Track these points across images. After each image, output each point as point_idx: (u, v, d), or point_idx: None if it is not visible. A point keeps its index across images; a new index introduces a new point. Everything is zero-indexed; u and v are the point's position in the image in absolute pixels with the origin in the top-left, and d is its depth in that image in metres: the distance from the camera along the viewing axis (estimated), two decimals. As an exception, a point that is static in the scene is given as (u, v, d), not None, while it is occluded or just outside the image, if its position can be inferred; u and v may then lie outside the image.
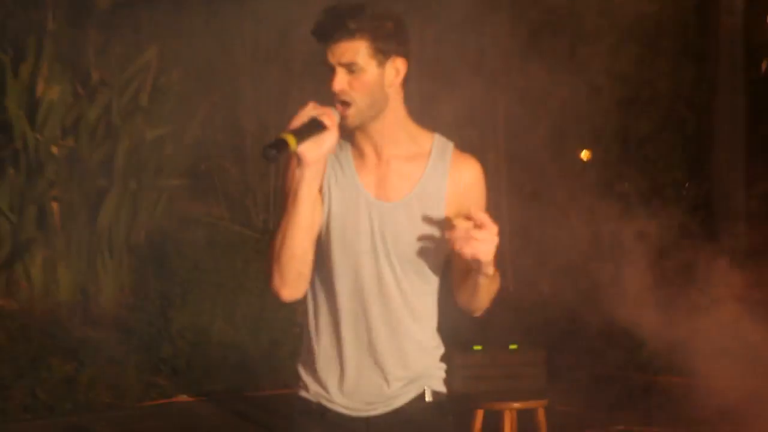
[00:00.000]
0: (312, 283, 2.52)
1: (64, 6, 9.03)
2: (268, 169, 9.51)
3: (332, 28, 2.38)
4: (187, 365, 7.95)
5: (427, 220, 2.45)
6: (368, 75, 2.39)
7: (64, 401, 7.33)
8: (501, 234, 2.35)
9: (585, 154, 10.11)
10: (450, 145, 2.51)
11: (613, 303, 6.17)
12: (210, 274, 8.33)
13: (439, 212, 2.46)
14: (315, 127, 2.33)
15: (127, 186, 8.42)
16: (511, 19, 9.53)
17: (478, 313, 2.56)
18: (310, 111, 2.34)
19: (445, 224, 2.44)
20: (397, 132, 2.48)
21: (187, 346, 8.02)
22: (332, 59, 2.38)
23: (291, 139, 2.29)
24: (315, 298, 2.54)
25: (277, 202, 2.59)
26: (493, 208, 2.53)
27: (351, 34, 2.37)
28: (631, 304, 6.06)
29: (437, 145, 2.50)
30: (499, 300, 2.62)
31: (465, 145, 2.60)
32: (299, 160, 2.34)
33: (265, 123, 9.47)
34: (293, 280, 2.44)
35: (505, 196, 9.11)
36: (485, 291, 2.47)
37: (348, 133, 2.47)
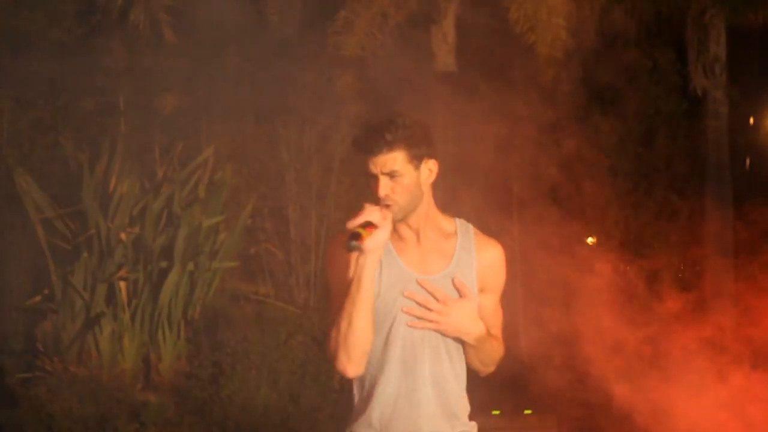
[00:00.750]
0: None
1: (134, 112, 9.22)
2: (309, 254, 9.60)
3: (372, 143, 2.46)
4: (235, 427, 7.97)
5: (464, 288, 2.53)
6: (407, 179, 2.48)
7: (128, 458, 7.46)
8: (515, 305, 2.51)
9: (591, 240, 10.22)
10: (470, 227, 2.61)
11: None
12: (257, 345, 8.35)
13: (472, 282, 2.54)
14: (373, 226, 2.44)
15: (186, 267, 8.43)
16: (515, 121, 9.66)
17: (482, 374, 2.63)
18: (367, 214, 2.42)
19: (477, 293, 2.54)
20: (430, 217, 2.58)
21: (236, 409, 8.03)
22: (374, 169, 2.47)
23: (364, 233, 2.41)
24: (371, 365, 2.53)
25: (329, 291, 2.59)
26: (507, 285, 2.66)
27: (390, 146, 2.45)
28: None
29: (460, 226, 2.60)
30: (514, 368, 2.73)
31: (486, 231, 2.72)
32: (362, 251, 2.41)
33: (307, 213, 9.59)
34: (359, 357, 2.46)
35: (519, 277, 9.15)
36: (475, 354, 2.55)
37: None
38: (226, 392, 8.08)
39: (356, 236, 2.39)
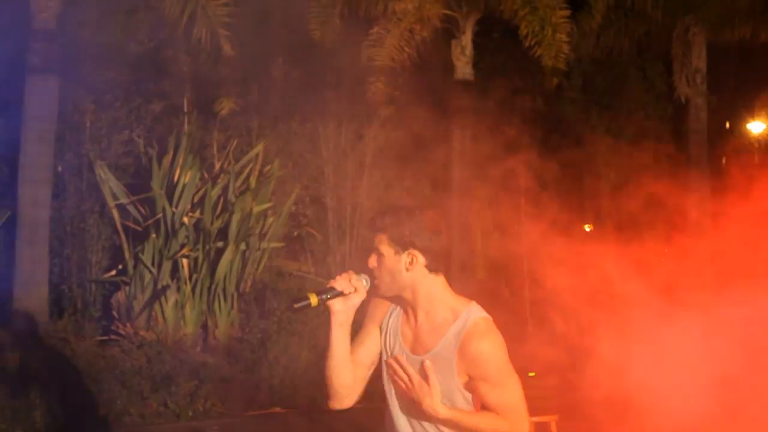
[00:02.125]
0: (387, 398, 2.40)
1: (196, 113, 9.21)
2: (344, 236, 9.53)
3: (370, 223, 2.39)
4: (280, 384, 7.90)
5: (442, 376, 2.29)
6: (388, 261, 2.32)
7: (188, 410, 7.35)
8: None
9: (588, 227, 10.02)
10: (475, 316, 2.31)
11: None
12: (299, 314, 8.18)
13: (451, 371, 2.30)
14: (339, 293, 2.33)
15: (239, 247, 8.39)
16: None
17: None
18: (338, 282, 2.33)
19: (456, 382, 2.29)
20: (431, 302, 2.35)
21: (280, 369, 7.98)
22: (372, 244, 2.38)
23: (313, 298, 2.30)
24: (388, 416, 2.42)
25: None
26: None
27: (376, 229, 2.34)
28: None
29: (465, 313, 2.32)
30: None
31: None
32: (329, 311, 2.32)
33: (343, 201, 9.54)
34: (334, 394, 2.38)
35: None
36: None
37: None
38: (272, 354, 8.03)
39: (302, 299, 2.33)
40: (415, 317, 2.38)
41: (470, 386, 2.30)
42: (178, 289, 8.19)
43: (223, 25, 8.99)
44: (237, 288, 8.42)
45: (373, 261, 2.35)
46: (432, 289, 2.35)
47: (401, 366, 2.30)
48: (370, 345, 2.42)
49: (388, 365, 2.36)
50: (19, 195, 8.27)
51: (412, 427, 2.38)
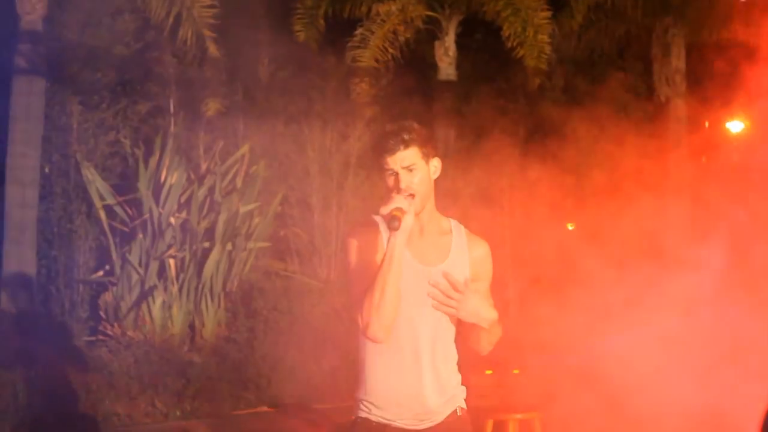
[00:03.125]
0: None
1: (182, 115, 9.16)
2: (330, 236, 9.50)
3: (393, 143, 2.42)
4: (267, 383, 7.87)
5: (459, 278, 2.43)
6: (422, 172, 2.44)
7: (176, 409, 7.31)
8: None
9: (570, 226, 10.03)
10: (462, 227, 2.55)
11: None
12: (285, 314, 8.30)
13: (466, 274, 2.47)
14: (400, 209, 2.37)
15: (225, 247, 8.34)
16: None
17: (484, 353, 2.53)
18: (396, 201, 2.36)
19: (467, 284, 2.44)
20: (433, 215, 2.51)
21: (267, 368, 7.94)
22: (394, 166, 2.41)
23: (401, 214, 2.35)
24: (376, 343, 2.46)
25: (349, 273, 2.49)
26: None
27: (406, 144, 2.42)
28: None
29: (455, 226, 2.53)
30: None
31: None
32: (396, 231, 2.35)
33: (328, 201, 9.51)
34: (390, 324, 2.39)
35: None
36: (486, 337, 2.47)
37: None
38: (259, 354, 8.00)
39: (396, 218, 2.35)
40: (421, 233, 2.48)
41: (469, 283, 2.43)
42: (165, 289, 8.14)
43: (208, 27, 8.97)
44: (224, 288, 8.37)
45: (406, 179, 2.41)
46: (434, 200, 2.52)
47: (451, 282, 2.38)
48: None
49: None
50: (5, 196, 8.21)
51: (405, 349, 2.44)
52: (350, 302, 2.49)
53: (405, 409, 2.46)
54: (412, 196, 2.41)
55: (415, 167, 2.43)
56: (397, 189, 2.41)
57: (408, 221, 2.36)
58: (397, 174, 2.42)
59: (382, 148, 2.44)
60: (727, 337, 5.47)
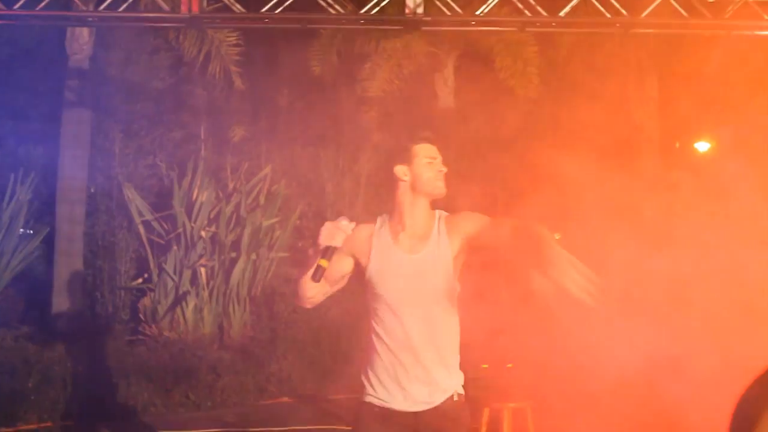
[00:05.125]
0: (374, 314, 2.45)
1: (211, 140, 9.23)
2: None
3: (428, 134, 2.57)
4: (288, 377, 7.87)
5: (443, 261, 2.43)
6: (438, 164, 2.58)
7: (207, 400, 7.31)
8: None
9: (557, 236, 9.99)
10: (444, 212, 2.55)
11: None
12: (303, 315, 8.26)
13: (451, 248, 2.44)
14: (334, 247, 2.42)
15: (250, 257, 8.36)
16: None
17: (576, 291, 2.06)
18: (327, 238, 2.43)
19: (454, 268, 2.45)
20: (424, 212, 2.53)
21: (288, 364, 7.94)
22: (426, 152, 2.52)
23: (323, 262, 2.40)
24: (377, 329, 2.45)
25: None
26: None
27: (433, 141, 2.56)
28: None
29: (438, 215, 2.54)
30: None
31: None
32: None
33: (341, 215, 9.54)
34: (302, 297, 2.54)
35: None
36: (573, 269, 2.12)
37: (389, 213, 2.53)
38: (280, 351, 7.99)
39: (319, 269, 2.41)
40: (405, 227, 2.50)
41: (466, 245, 2.43)
42: (197, 294, 8.17)
43: (234, 63, 9.06)
44: (249, 293, 8.39)
45: (432, 168, 2.52)
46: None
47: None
48: (339, 267, 2.49)
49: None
50: (57, 213, 8.31)
51: (408, 330, 2.44)
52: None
53: (405, 393, 2.43)
54: (442, 171, 2.53)
55: (435, 161, 2.55)
56: (436, 168, 2.52)
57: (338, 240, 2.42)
58: (431, 161, 2.52)
59: (417, 138, 2.53)
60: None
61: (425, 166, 2.51)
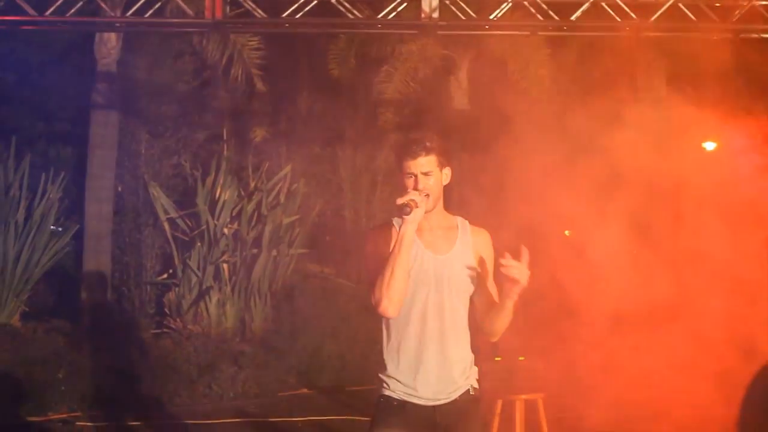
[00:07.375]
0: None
1: (234, 141, 9.26)
2: (359, 242, 9.54)
3: (415, 148, 2.41)
4: (307, 369, 7.90)
5: (465, 265, 2.45)
6: (435, 177, 2.44)
7: (229, 391, 7.33)
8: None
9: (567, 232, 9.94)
10: (467, 222, 2.54)
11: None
12: (322, 310, 8.31)
13: (471, 260, 2.46)
14: (413, 201, 2.39)
15: (271, 253, 8.36)
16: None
17: (495, 338, 2.46)
18: (411, 194, 2.38)
19: (474, 269, 2.45)
20: (442, 214, 2.51)
21: (307, 357, 7.96)
22: (414, 170, 2.41)
23: (414, 204, 2.37)
24: (396, 324, 2.43)
25: (367, 264, 2.48)
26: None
27: (428, 151, 2.41)
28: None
29: (460, 222, 2.53)
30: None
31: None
32: (407, 221, 2.35)
33: (359, 213, 9.55)
34: (399, 300, 2.36)
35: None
36: (505, 317, 2.40)
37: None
38: (300, 344, 8.01)
39: (408, 206, 2.36)
40: (431, 226, 2.47)
41: (476, 268, 2.44)
42: (220, 289, 8.19)
43: (256, 66, 9.08)
44: (270, 288, 8.40)
45: (423, 182, 2.41)
46: (442, 200, 2.52)
47: (524, 254, 2.34)
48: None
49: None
50: (85, 211, 8.36)
51: (424, 330, 2.42)
52: (366, 285, 2.48)
53: (422, 387, 2.41)
54: (428, 195, 2.41)
55: (431, 173, 2.42)
56: (414, 188, 2.41)
57: (419, 212, 2.35)
58: (415, 176, 2.42)
59: (405, 152, 2.42)
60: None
61: (404, 184, 2.44)
